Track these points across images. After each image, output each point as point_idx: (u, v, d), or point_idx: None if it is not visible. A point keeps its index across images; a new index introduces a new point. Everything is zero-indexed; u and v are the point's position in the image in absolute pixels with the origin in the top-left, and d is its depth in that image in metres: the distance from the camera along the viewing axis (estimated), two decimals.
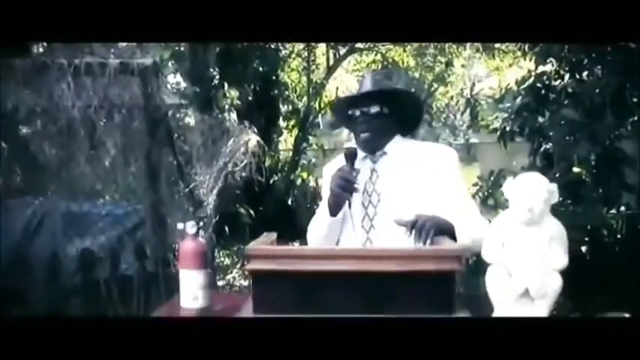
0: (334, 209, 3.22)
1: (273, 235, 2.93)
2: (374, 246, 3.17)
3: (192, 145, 6.27)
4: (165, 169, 5.84)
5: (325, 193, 3.38)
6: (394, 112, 3.33)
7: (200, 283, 2.69)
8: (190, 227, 2.66)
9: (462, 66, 15.77)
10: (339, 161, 3.39)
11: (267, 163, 10.74)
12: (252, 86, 12.44)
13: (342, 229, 3.29)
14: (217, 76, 10.12)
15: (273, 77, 13.24)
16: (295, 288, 2.48)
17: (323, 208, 3.28)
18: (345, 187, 3.12)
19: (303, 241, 3.61)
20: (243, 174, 6.62)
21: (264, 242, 2.74)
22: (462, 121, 22.67)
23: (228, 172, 6.44)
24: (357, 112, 3.30)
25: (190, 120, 6.50)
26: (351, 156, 3.23)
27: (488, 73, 15.66)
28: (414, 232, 2.92)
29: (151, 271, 5.64)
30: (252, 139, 6.61)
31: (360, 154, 3.33)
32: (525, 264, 2.40)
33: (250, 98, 11.97)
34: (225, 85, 9.69)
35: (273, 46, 13.02)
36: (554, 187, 2.42)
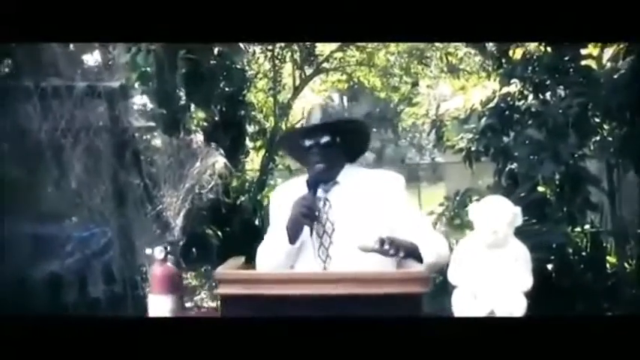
0: (294, 237, 3.23)
1: (241, 259, 2.95)
2: (344, 269, 3.18)
3: (160, 167, 6.27)
4: (133, 191, 5.83)
5: (275, 219, 3.41)
6: (344, 141, 3.37)
7: (169, 308, 2.70)
8: (159, 252, 2.67)
9: (428, 86, 15.80)
10: (288, 186, 3.47)
11: (234, 183, 10.69)
12: (218, 107, 12.34)
13: (298, 257, 3.29)
14: (184, 97, 10.07)
15: (240, 98, 13.14)
16: (265, 311, 2.49)
17: (276, 235, 3.29)
18: (308, 215, 3.16)
19: None
20: (210, 196, 6.61)
21: (232, 266, 2.76)
22: (428, 140, 22.74)
23: (195, 194, 6.43)
24: (309, 143, 3.31)
25: (157, 142, 6.49)
26: (314, 184, 3.26)
27: (453, 93, 15.67)
28: (386, 248, 2.93)
29: (119, 293, 5.61)
30: (219, 160, 6.62)
31: None
32: (490, 286, 2.44)
33: (217, 119, 11.86)
34: (192, 106, 9.64)
35: (239, 67, 12.93)
36: (518, 210, 2.46)
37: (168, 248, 2.86)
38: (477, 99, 7.74)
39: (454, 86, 15.07)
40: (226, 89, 12.27)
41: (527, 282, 2.45)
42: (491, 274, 2.44)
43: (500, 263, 2.44)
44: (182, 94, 9.31)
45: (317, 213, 3.19)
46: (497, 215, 2.42)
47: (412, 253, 3.01)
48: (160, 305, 2.69)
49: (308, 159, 3.35)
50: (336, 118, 3.42)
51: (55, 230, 5.81)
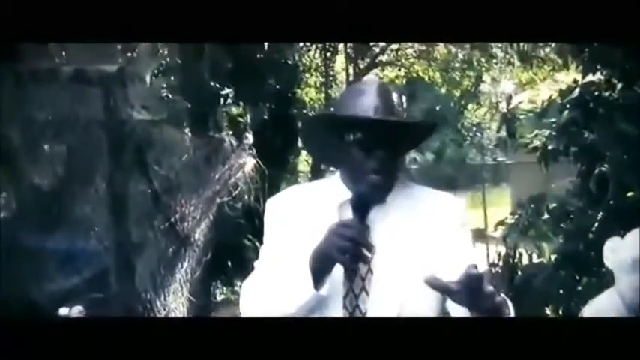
0: (320, 279, 2.14)
1: None
2: None
3: (173, 170, 5.22)
4: (136, 198, 4.80)
5: (270, 239, 2.34)
6: (404, 148, 2.39)
7: None
8: (77, 314, 1.72)
9: (493, 79, 14.88)
10: (296, 195, 2.41)
11: (283, 186, 9.93)
12: (267, 104, 11.75)
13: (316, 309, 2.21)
14: (224, 92, 9.32)
15: (289, 94, 12.48)
16: None
17: (283, 272, 2.21)
18: (350, 251, 2.06)
19: None
20: (238, 205, 5.59)
21: None
22: (489, 139, 21.79)
23: (222, 202, 5.42)
24: (367, 142, 2.22)
25: (173, 140, 5.46)
26: (363, 206, 2.18)
27: (516, 89, 14.77)
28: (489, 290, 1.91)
29: None
30: (249, 162, 5.57)
31: (340, 198, 2.30)
32: None
33: (265, 117, 11.27)
34: (225, 100, 8.83)
35: (290, 62, 12.37)
36: None
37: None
38: (546, 94, 6.72)
39: (521, 79, 14.18)
40: (276, 86, 11.75)
41: None
42: None
43: None
44: (217, 87, 8.50)
45: (365, 251, 2.08)
46: None
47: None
48: None
49: (357, 164, 2.26)
50: (408, 118, 2.38)
51: (33, 242, 4.68)
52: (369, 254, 2.09)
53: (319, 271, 2.12)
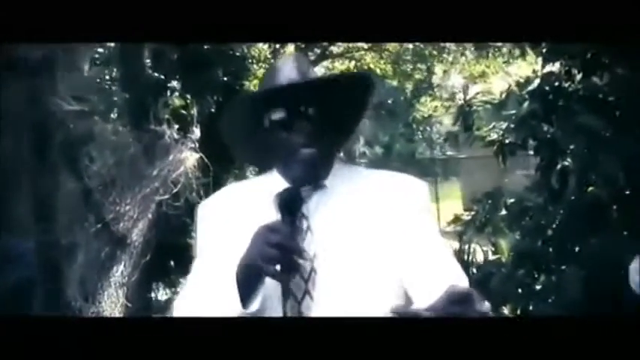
0: (248, 296, 1.80)
1: None
2: None
3: (106, 165, 4.84)
4: (65, 197, 4.43)
5: (202, 249, 2.04)
6: (337, 114, 1.98)
7: None
8: None
9: (445, 72, 14.75)
10: (229, 195, 2.10)
11: (230, 181, 9.64)
12: (214, 97, 11.43)
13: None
14: (168, 84, 8.97)
15: (237, 87, 12.18)
16: None
17: (209, 287, 1.87)
18: (281, 261, 1.75)
19: None
20: (179, 203, 5.23)
21: None
22: (439, 134, 21.73)
23: (162, 200, 5.06)
24: (281, 116, 1.91)
25: (107, 134, 5.07)
26: (290, 205, 1.88)
27: (468, 83, 14.67)
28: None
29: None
30: (190, 157, 5.22)
31: (279, 186, 1.99)
32: None
33: (213, 110, 10.96)
34: (169, 92, 8.46)
35: (238, 54, 12.10)
36: None
37: None
38: (505, 85, 6.51)
39: (472, 72, 14.03)
40: (224, 78, 11.48)
41: None
42: None
43: None
44: (157, 77, 8.15)
45: (296, 258, 1.78)
46: None
47: None
48: None
49: (280, 145, 1.94)
50: (328, 74, 2.04)
51: None
52: (301, 261, 1.78)
53: (246, 286, 1.78)
